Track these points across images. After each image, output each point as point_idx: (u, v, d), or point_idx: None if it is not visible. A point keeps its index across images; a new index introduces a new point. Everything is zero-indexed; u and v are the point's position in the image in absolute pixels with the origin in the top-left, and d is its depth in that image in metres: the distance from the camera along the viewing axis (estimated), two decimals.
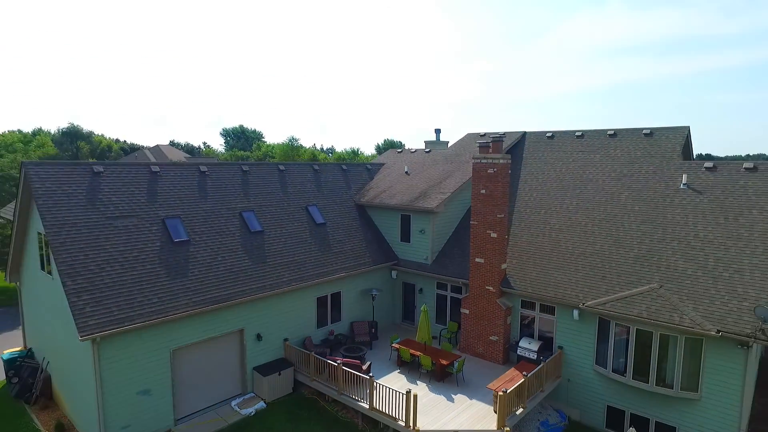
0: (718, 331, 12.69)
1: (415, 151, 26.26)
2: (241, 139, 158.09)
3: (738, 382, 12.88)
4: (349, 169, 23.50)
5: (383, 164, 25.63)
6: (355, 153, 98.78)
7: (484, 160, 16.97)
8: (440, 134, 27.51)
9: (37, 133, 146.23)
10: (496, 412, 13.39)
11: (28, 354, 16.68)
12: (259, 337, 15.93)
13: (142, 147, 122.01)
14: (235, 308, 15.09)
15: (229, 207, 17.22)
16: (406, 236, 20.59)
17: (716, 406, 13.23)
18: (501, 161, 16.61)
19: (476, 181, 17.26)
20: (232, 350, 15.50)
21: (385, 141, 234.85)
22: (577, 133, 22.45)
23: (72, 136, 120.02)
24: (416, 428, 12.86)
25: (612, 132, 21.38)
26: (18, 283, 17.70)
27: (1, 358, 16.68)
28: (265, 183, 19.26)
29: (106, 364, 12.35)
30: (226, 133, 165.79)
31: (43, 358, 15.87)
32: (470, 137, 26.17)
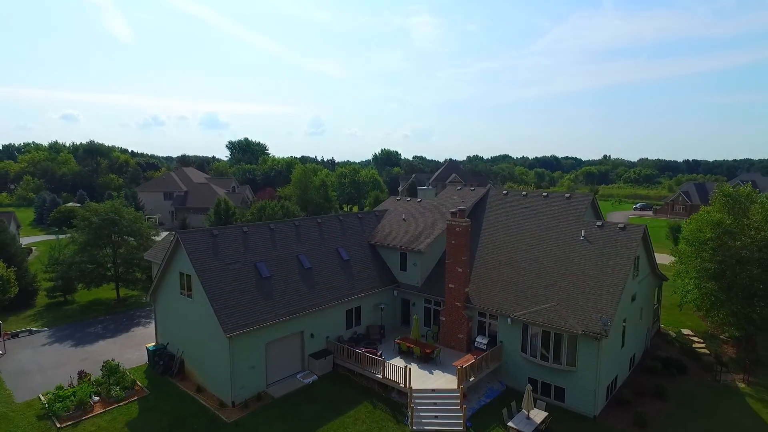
0: (583, 331, 22.22)
1: (410, 200, 35.79)
2: (246, 152, 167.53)
3: (594, 360, 22.37)
4: (363, 217, 33.02)
5: (387, 210, 35.14)
6: (355, 171, 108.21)
7: (454, 222, 26.51)
8: (428, 184, 37.06)
9: (53, 146, 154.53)
10: (457, 380, 22.83)
11: (165, 346, 25.99)
12: (312, 335, 25.38)
13: (165, 168, 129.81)
14: (298, 318, 24.47)
15: (290, 252, 26.67)
16: (404, 267, 30.09)
17: (585, 374, 22.72)
18: (463, 224, 26.16)
19: (449, 235, 26.79)
20: (296, 343, 24.94)
21: (382, 150, 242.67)
22: (523, 192, 32.10)
23: (93, 152, 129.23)
24: (410, 387, 22.33)
25: (546, 194, 31.03)
26: (153, 301, 27.02)
27: (147, 349, 26.03)
28: (310, 233, 28.73)
29: (234, 351, 21.75)
30: (232, 146, 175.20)
31: (178, 349, 25.21)
32: (449, 191, 35.75)
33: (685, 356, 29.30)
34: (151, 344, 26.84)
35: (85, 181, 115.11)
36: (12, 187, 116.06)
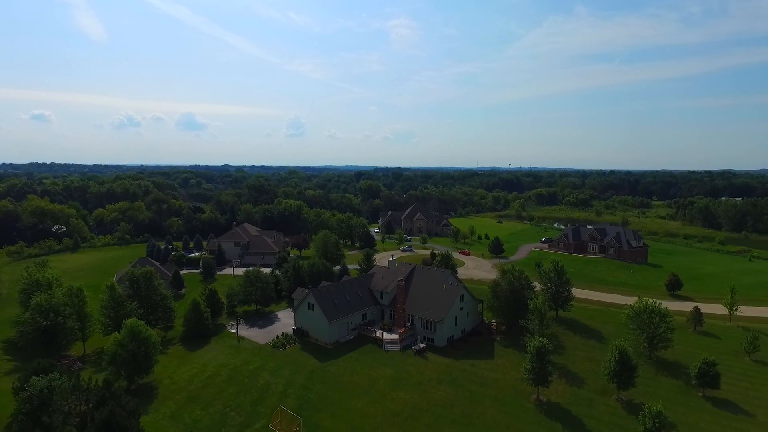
0: (437, 320, 72.17)
1: (385, 267, 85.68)
2: (262, 193, 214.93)
3: (442, 329, 72.27)
4: (366, 277, 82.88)
5: (375, 272, 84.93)
6: (349, 218, 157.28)
7: (399, 282, 76.41)
8: (394, 257, 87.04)
9: (110, 190, 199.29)
10: (399, 336, 72.47)
11: (301, 327, 74.97)
12: (350, 322, 74.97)
13: (208, 210, 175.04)
14: (346, 317, 73.93)
15: (342, 293, 76.18)
16: (382, 297, 79.94)
17: (439, 334, 72.60)
18: (402, 283, 76.22)
19: (397, 286, 76.68)
20: (346, 325, 74.53)
21: (362, 175, 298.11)
22: (427, 267, 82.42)
23: (159, 201, 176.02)
24: (384, 338, 72.04)
25: (436, 269, 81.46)
26: (295, 312, 75.98)
27: (293, 328, 75.10)
28: (348, 285, 78.30)
29: (330, 327, 71.14)
30: (249, 188, 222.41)
31: (306, 328, 74.25)
32: (401, 264, 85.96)
33: (486, 330, 79.68)
34: (293, 327, 75.89)
35: (155, 224, 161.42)
36: (93, 227, 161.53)
